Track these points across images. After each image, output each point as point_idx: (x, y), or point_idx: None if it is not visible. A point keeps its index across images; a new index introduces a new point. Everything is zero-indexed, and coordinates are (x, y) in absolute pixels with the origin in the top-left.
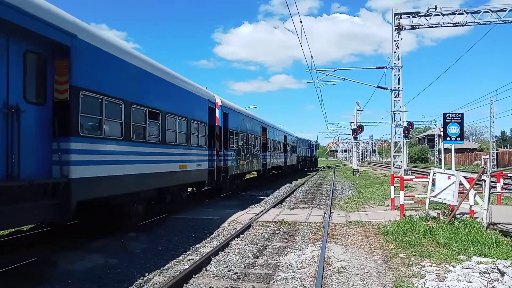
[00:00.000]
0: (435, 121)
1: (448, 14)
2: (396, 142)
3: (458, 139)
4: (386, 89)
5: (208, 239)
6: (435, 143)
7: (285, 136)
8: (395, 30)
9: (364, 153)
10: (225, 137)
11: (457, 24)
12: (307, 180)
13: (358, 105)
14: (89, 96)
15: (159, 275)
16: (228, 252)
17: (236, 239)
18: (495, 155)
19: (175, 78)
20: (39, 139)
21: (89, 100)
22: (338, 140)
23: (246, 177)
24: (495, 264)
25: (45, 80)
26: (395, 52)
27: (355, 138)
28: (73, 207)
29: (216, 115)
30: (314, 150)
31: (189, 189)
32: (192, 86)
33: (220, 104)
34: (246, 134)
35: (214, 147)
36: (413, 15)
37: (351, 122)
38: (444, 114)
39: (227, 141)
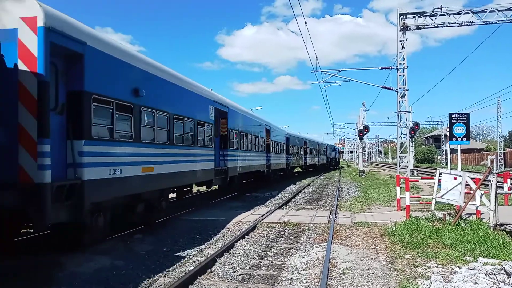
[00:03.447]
0: (442, 121)
1: (453, 14)
2: (402, 143)
3: (464, 139)
4: (392, 89)
5: (213, 240)
6: (442, 143)
7: (318, 145)
8: (400, 31)
9: (370, 154)
10: (288, 148)
11: (463, 24)
12: (313, 181)
13: (363, 105)
14: None
15: (164, 276)
16: (233, 253)
17: (241, 240)
18: (502, 155)
19: (274, 127)
20: None
21: None
22: (344, 141)
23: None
24: (502, 265)
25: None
26: (400, 52)
27: (361, 139)
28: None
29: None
30: (337, 152)
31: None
32: (277, 127)
33: (286, 132)
34: (296, 146)
35: (286, 154)
36: (418, 15)
37: (357, 123)
38: (450, 115)
39: (289, 150)
